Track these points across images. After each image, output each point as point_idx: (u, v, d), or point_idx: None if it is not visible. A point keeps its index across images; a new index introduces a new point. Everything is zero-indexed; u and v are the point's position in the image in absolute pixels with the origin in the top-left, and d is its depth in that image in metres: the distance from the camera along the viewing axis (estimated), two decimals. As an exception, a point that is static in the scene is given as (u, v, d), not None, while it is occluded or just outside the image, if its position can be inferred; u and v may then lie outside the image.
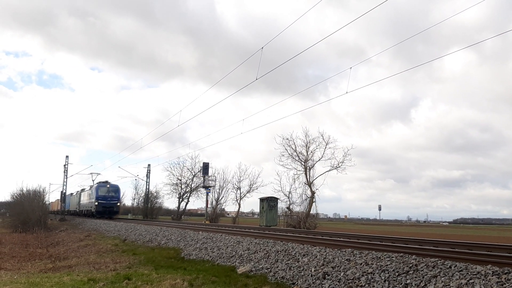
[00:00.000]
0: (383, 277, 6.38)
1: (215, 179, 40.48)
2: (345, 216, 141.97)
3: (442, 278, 5.76)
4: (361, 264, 7.23)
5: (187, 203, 49.13)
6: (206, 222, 35.37)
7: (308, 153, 32.04)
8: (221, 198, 41.76)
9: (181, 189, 48.01)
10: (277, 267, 8.41)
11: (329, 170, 31.49)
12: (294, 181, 32.09)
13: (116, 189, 42.95)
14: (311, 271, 7.57)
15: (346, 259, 7.68)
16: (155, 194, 53.83)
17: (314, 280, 7.14)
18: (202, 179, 40.37)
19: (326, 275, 7.16)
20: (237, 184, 40.64)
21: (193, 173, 46.35)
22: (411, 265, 6.53)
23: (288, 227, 28.41)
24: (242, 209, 44.43)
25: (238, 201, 40.64)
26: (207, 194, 39.66)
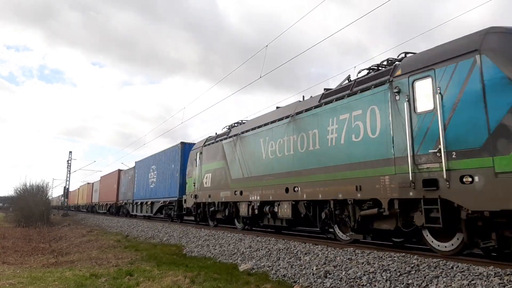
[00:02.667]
0: (384, 277, 6.38)
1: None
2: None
3: (444, 279, 5.75)
4: (362, 263, 7.22)
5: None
6: None
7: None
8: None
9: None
10: (279, 265, 8.42)
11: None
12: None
13: None
14: (312, 269, 7.57)
15: (348, 258, 7.68)
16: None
17: (315, 279, 7.15)
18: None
19: (328, 274, 7.16)
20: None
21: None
22: (413, 265, 6.52)
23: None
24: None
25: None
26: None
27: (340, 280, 6.79)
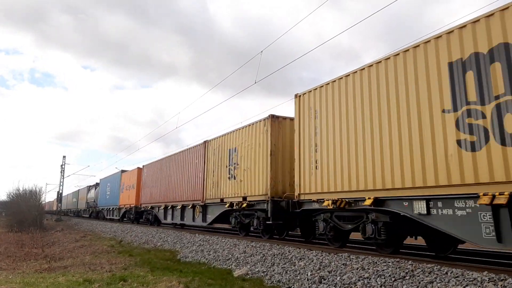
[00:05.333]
0: (379, 282, 6.38)
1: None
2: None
3: (438, 284, 5.76)
4: (357, 268, 7.22)
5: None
6: None
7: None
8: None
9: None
10: (273, 271, 8.40)
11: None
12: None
13: None
14: (307, 275, 7.56)
15: (343, 264, 7.67)
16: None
17: (310, 284, 7.13)
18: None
19: (323, 279, 7.15)
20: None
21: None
22: (407, 271, 6.53)
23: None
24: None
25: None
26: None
27: (334, 286, 6.78)
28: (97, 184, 42.55)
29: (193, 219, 17.66)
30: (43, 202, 41.25)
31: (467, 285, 5.48)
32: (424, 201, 7.65)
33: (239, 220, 14.78)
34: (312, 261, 8.32)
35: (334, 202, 9.76)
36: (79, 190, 52.07)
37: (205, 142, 17.79)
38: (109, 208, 33.93)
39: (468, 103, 6.91)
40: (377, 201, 8.68)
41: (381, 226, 8.83)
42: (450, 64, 7.28)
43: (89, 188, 46.56)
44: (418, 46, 8.01)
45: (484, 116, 6.65)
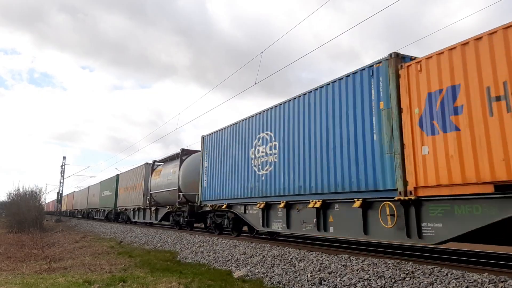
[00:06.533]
0: (379, 284, 6.37)
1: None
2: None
3: (439, 286, 5.75)
4: (357, 270, 7.21)
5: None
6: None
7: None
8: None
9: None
10: (273, 272, 8.39)
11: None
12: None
13: None
14: (307, 276, 7.55)
15: (343, 265, 7.67)
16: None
17: (310, 286, 7.12)
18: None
19: (323, 281, 7.14)
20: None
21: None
22: (407, 272, 6.52)
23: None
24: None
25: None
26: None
27: (335, 287, 6.78)
28: (184, 153, 19.88)
29: None
30: (43, 203, 41.19)
31: (467, 287, 5.47)
32: None
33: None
34: (312, 262, 8.31)
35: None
36: (118, 175, 32.02)
37: None
38: (289, 203, 11.32)
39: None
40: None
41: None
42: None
43: (152, 166, 24.11)
44: None
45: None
